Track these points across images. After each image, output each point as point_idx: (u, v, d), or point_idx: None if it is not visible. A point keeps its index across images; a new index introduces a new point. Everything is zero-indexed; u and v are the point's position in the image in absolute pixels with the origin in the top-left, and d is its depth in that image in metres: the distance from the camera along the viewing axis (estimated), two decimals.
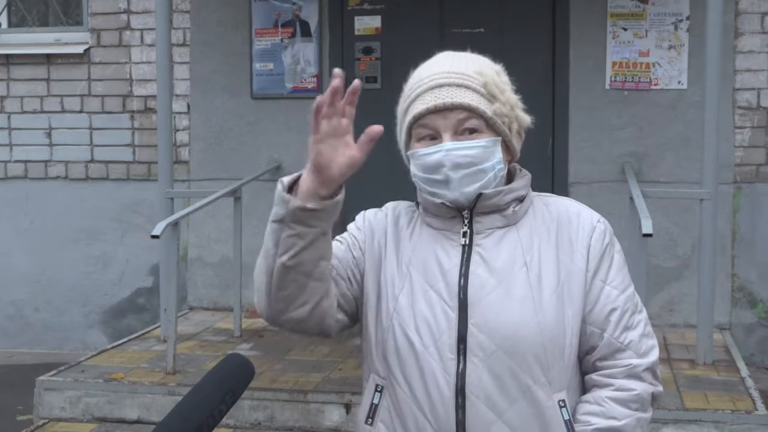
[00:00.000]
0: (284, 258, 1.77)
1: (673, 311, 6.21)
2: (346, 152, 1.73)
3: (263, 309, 1.86)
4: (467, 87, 1.82)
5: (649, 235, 4.55)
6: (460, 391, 1.79)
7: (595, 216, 1.93)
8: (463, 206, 1.86)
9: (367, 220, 1.98)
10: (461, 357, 1.80)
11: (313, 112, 1.72)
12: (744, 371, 5.12)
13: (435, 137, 1.84)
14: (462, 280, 1.83)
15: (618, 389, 1.83)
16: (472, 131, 1.83)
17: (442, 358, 1.80)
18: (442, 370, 1.80)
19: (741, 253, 6.16)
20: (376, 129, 1.70)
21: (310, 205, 1.73)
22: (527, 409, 1.79)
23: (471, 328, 1.80)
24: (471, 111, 1.81)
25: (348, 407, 4.79)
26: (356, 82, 1.76)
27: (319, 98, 1.72)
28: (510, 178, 1.92)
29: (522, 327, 1.79)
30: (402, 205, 2.01)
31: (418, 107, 1.83)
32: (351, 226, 1.99)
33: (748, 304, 6.19)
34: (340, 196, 1.75)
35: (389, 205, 2.02)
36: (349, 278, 1.92)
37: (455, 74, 1.83)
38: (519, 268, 1.83)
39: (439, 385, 1.80)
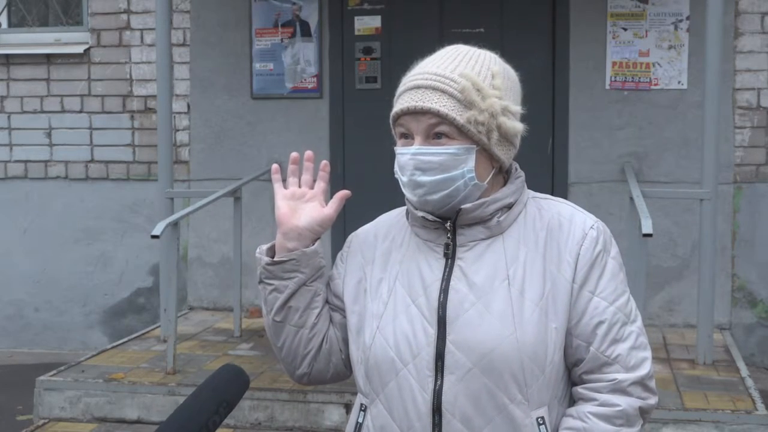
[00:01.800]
0: (272, 315, 1.91)
1: (673, 311, 6.21)
2: (313, 213, 1.89)
3: (287, 373, 2.00)
4: (443, 91, 1.76)
5: (649, 235, 4.54)
6: (437, 410, 1.76)
7: (589, 221, 1.85)
8: (446, 217, 1.83)
9: (352, 244, 1.99)
10: (439, 374, 1.76)
11: (272, 171, 1.94)
12: (744, 371, 5.12)
13: (410, 137, 1.82)
14: (442, 296, 1.80)
15: (602, 404, 1.77)
16: (443, 136, 1.78)
17: (420, 375, 1.77)
18: (419, 388, 1.78)
19: (741, 253, 6.17)
20: (345, 194, 1.91)
21: (276, 258, 1.88)
22: (504, 428, 1.75)
23: (449, 345, 1.76)
24: (441, 117, 1.76)
25: (348, 407, 4.79)
26: (323, 162, 1.95)
27: (293, 154, 1.91)
28: (505, 182, 1.87)
29: (499, 344, 1.74)
30: (393, 215, 1.99)
31: (397, 106, 1.82)
32: (338, 257, 2.00)
33: (748, 304, 6.19)
34: (312, 247, 1.89)
35: (380, 219, 2.01)
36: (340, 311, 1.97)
37: (435, 76, 1.78)
38: (500, 283, 1.78)
39: (417, 402, 1.78)
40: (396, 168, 1.85)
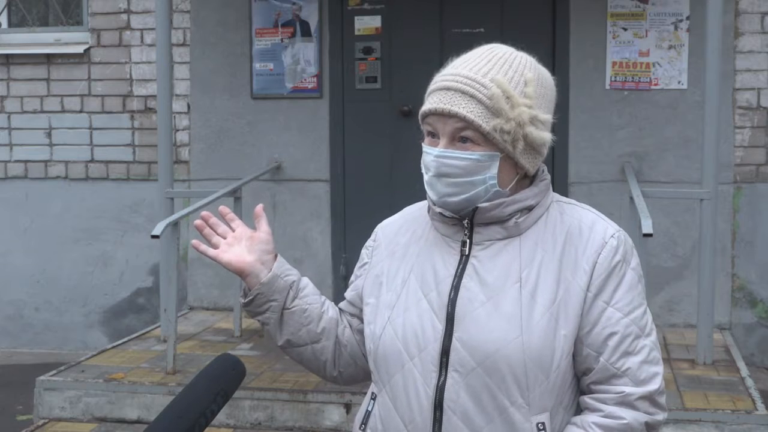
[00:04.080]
0: (279, 343, 1.99)
1: (673, 311, 6.21)
2: (251, 242, 1.96)
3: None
4: (472, 96, 1.74)
5: (649, 235, 4.54)
6: (438, 405, 1.77)
7: (610, 230, 1.82)
8: (464, 215, 1.83)
9: (377, 236, 2.01)
10: (443, 370, 1.77)
11: (195, 246, 2.01)
12: (744, 371, 5.12)
13: (437, 137, 1.81)
14: (452, 293, 1.80)
15: (606, 416, 1.75)
16: (468, 141, 1.76)
17: (425, 369, 1.78)
18: (423, 382, 1.78)
19: (741, 253, 6.16)
20: (259, 208, 2.01)
21: (243, 301, 1.97)
22: (503, 430, 1.75)
23: (455, 343, 1.76)
24: (467, 122, 1.75)
25: (348, 407, 4.79)
26: (221, 211, 2.05)
27: (196, 222, 1.99)
28: (531, 185, 1.85)
29: (504, 345, 1.73)
30: (416, 207, 2.00)
31: (426, 106, 1.81)
32: (363, 252, 2.03)
33: (748, 304, 6.19)
34: (268, 275, 1.93)
35: (405, 211, 2.03)
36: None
37: (465, 79, 1.76)
38: (512, 284, 1.77)
39: (420, 396, 1.79)
40: (421, 164, 1.84)
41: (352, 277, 2.04)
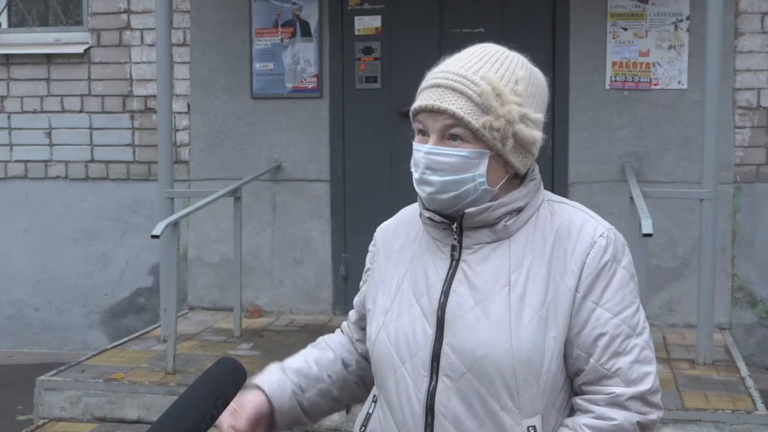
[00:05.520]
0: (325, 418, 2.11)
1: (673, 311, 6.21)
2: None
3: None
4: (462, 93, 1.73)
5: (649, 235, 4.55)
6: (430, 410, 1.77)
7: (600, 229, 1.80)
8: (452, 218, 1.82)
9: (377, 241, 2.01)
10: (434, 375, 1.77)
11: None
12: (744, 371, 5.12)
13: (427, 134, 1.80)
14: (442, 297, 1.79)
15: (597, 417, 1.74)
16: (457, 138, 1.75)
17: (416, 374, 1.78)
18: (414, 387, 1.79)
19: (741, 253, 6.16)
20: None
21: None
22: None
23: (445, 348, 1.76)
24: (457, 119, 1.74)
25: (348, 407, 4.78)
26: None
27: None
28: (520, 185, 1.84)
29: (493, 350, 1.72)
30: (411, 209, 2.00)
31: (416, 103, 1.80)
32: (367, 260, 2.03)
33: (748, 304, 6.19)
34: (275, 406, 1.96)
35: (402, 212, 2.02)
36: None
37: (456, 77, 1.75)
38: (501, 288, 1.76)
39: (411, 401, 1.79)
40: (411, 162, 1.84)
41: (360, 283, 2.05)
